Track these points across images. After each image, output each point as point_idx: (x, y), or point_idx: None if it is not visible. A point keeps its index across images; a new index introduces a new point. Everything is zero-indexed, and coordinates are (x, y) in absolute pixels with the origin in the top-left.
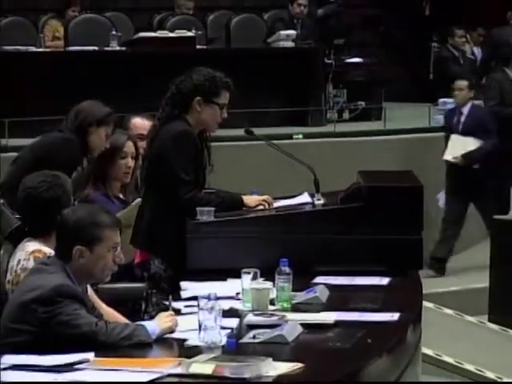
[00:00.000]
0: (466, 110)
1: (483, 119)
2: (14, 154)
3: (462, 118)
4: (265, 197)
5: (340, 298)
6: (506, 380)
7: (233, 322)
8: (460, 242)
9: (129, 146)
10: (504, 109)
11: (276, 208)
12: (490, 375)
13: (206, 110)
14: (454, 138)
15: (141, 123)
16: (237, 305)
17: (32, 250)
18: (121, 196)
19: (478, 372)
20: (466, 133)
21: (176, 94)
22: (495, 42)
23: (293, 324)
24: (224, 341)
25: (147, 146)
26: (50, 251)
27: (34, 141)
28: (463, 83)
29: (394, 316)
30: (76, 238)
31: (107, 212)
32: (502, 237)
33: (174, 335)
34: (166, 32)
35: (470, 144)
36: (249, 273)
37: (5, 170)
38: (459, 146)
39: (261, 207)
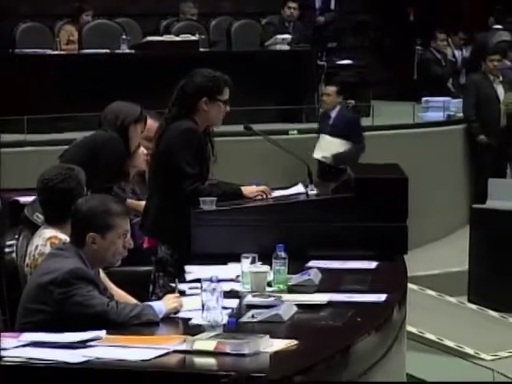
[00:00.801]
0: (333, 113)
1: (350, 123)
2: (33, 149)
3: (330, 121)
4: (262, 187)
5: (332, 281)
6: (482, 355)
7: (233, 303)
8: (440, 230)
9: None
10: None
11: (273, 198)
12: (469, 350)
13: (213, 107)
14: (322, 138)
15: (152, 125)
16: (237, 287)
17: (49, 237)
18: (133, 187)
19: (458, 347)
20: (333, 135)
21: (182, 96)
22: (479, 45)
23: (288, 304)
24: (225, 320)
25: (155, 143)
26: (65, 237)
27: (81, 138)
28: (331, 89)
29: (381, 297)
30: (89, 226)
31: (118, 201)
32: (480, 224)
33: (179, 315)
34: (171, 36)
35: (338, 145)
36: (248, 257)
37: (25, 162)
38: (327, 147)
39: (259, 197)
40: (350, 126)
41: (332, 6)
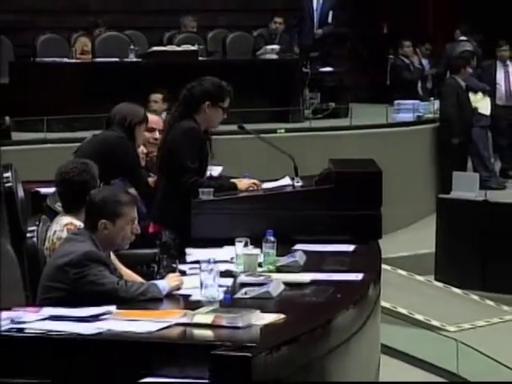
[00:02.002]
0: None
1: None
2: (52, 146)
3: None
4: (254, 180)
5: (315, 262)
6: (447, 327)
7: (228, 281)
8: (410, 217)
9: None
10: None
11: (263, 189)
12: (436, 323)
13: (213, 112)
14: None
15: (151, 118)
16: (231, 267)
17: (65, 223)
18: None
19: (426, 321)
20: None
21: (188, 97)
22: (448, 55)
23: (277, 282)
24: (221, 296)
25: (162, 138)
26: (80, 224)
27: (91, 137)
28: (158, 96)
29: (359, 276)
30: (101, 214)
31: (126, 192)
32: (445, 212)
33: (181, 292)
34: (174, 46)
35: None
36: (241, 241)
37: (44, 157)
38: None
39: (251, 189)
40: None
41: (329, 20)
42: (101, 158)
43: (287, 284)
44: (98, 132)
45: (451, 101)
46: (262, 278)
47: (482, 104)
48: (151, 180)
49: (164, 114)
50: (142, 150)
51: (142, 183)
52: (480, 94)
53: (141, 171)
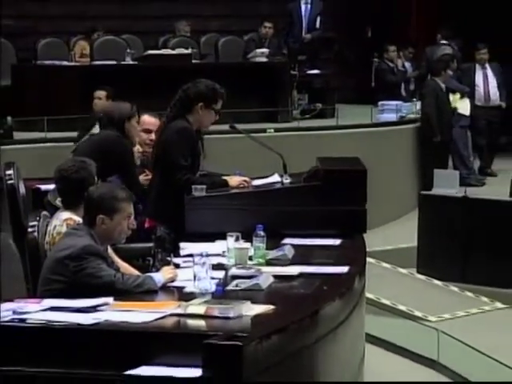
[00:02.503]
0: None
1: None
2: (51, 144)
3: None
4: (244, 177)
5: (303, 255)
6: (429, 317)
7: (220, 274)
8: (394, 212)
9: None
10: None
11: (253, 186)
12: (418, 313)
13: (205, 113)
14: None
15: (148, 119)
16: (223, 260)
17: (65, 218)
18: None
19: (408, 311)
20: None
21: (183, 97)
22: (429, 58)
23: (266, 275)
24: (213, 288)
25: (157, 137)
26: (78, 219)
27: (89, 137)
28: (102, 93)
29: (344, 269)
30: (99, 209)
31: (123, 188)
32: (427, 208)
33: (175, 284)
34: (168, 50)
35: None
36: (232, 236)
37: (45, 155)
38: None
39: (242, 185)
40: None
41: (317, 26)
42: (99, 156)
43: (276, 276)
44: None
45: (431, 101)
46: (252, 270)
47: (461, 105)
48: (144, 178)
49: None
50: (137, 148)
51: (135, 181)
52: (458, 95)
53: (135, 169)
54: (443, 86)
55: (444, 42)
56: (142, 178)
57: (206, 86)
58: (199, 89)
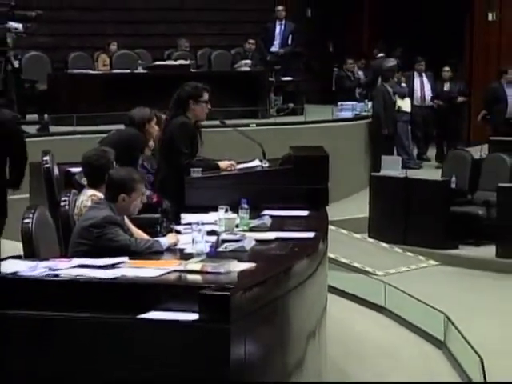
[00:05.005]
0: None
1: None
2: (80, 136)
3: None
4: (232, 162)
5: (278, 224)
6: (378, 272)
7: (213, 239)
8: (350, 190)
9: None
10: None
11: (239, 169)
12: (369, 269)
13: (197, 107)
14: None
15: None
16: (215, 228)
17: (90, 194)
18: (145, 164)
19: (362, 267)
20: None
21: (177, 100)
22: (377, 68)
23: (249, 239)
24: (207, 250)
25: (162, 131)
26: (100, 195)
27: (114, 131)
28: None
29: (311, 234)
30: (121, 189)
31: (137, 172)
32: (376, 186)
33: (177, 247)
34: (171, 61)
35: None
36: (223, 208)
37: (74, 145)
38: None
39: (229, 168)
40: None
41: (289, 42)
42: (120, 148)
43: (257, 240)
44: (116, 126)
45: (380, 102)
46: (238, 236)
47: (404, 104)
48: None
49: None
50: (151, 144)
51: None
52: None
53: (138, 158)
54: (390, 89)
55: (381, 54)
56: None
57: (190, 86)
58: (185, 90)
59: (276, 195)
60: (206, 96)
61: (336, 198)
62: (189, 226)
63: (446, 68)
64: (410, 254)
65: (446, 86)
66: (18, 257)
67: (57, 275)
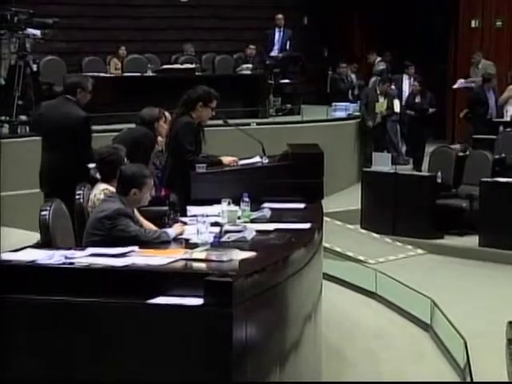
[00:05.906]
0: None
1: None
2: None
3: None
4: (234, 158)
5: (277, 216)
6: (369, 260)
7: (216, 229)
8: (344, 184)
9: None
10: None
11: (240, 164)
12: (361, 258)
13: (204, 110)
14: None
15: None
16: (219, 219)
17: (103, 188)
18: (154, 161)
19: (354, 256)
20: None
21: (187, 99)
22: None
23: (250, 230)
24: (211, 240)
25: (169, 129)
26: (112, 189)
27: (126, 130)
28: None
29: (307, 225)
30: (133, 184)
31: (147, 168)
32: (367, 180)
33: (183, 237)
34: (178, 65)
35: None
36: (226, 201)
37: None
38: None
39: (232, 164)
40: None
41: (287, 47)
42: (132, 146)
43: (258, 231)
44: (127, 125)
45: (363, 101)
46: (240, 227)
47: (393, 105)
48: None
49: None
50: (161, 140)
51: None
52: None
53: (149, 156)
54: (379, 91)
55: (378, 58)
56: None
57: (203, 90)
58: (198, 92)
59: (275, 189)
60: (214, 103)
61: (330, 192)
62: (194, 218)
63: (416, 83)
64: (399, 243)
65: (418, 99)
66: (36, 246)
67: (72, 263)
